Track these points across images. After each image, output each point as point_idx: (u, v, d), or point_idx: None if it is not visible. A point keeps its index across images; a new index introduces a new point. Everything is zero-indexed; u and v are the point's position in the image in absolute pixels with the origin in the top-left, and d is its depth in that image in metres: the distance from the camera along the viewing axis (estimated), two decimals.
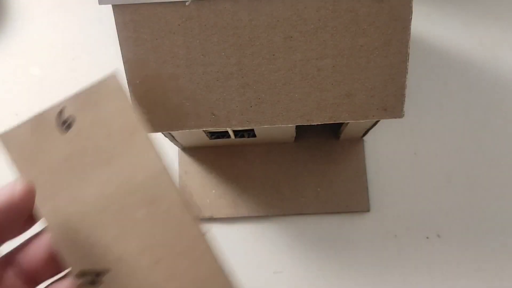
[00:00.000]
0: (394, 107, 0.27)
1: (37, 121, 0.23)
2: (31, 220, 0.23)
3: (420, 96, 0.43)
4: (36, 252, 0.23)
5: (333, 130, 0.42)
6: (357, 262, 0.41)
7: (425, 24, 0.44)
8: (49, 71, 0.46)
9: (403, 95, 0.27)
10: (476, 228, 0.41)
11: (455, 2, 0.45)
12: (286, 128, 0.33)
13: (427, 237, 0.41)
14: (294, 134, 0.38)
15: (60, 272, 0.24)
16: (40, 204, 0.23)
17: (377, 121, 0.34)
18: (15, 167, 0.23)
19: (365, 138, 0.42)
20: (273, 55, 0.26)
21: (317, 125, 0.29)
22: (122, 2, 0.25)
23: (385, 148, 0.43)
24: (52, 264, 0.23)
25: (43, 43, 0.46)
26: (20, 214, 0.21)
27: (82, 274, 0.22)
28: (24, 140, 0.23)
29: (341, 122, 0.28)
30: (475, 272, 0.40)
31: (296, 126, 0.36)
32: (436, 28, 0.44)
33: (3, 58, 0.46)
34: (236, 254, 0.41)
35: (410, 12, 0.25)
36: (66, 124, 0.23)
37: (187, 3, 0.25)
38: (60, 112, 0.23)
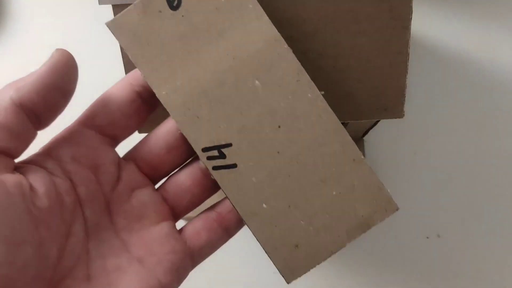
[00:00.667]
0: (394, 107, 0.27)
1: (146, 2, 0.23)
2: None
3: (420, 96, 0.43)
4: (155, 143, 0.24)
5: None
6: (357, 262, 0.41)
7: (425, 24, 0.44)
8: None
9: (403, 95, 0.27)
10: (476, 228, 0.41)
11: (455, 2, 0.45)
12: None
13: (427, 237, 0.41)
14: None
15: (180, 163, 0.25)
16: (159, 87, 0.23)
17: (377, 121, 0.34)
18: (128, 52, 0.23)
19: (365, 138, 0.42)
20: None
21: None
22: (122, 2, 0.25)
23: (385, 148, 0.43)
24: (173, 153, 0.24)
25: (43, 43, 0.46)
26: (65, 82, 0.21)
27: (207, 150, 0.23)
28: (134, 24, 0.23)
29: (341, 122, 0.28)
30: (475, 272, 0.40)
31: None
32: (436, 28, 0.44)
33: (3, 58, 0.46)
34: (236, 254, 0.41)
35: (410, 12, 0.25)
36: (175, 3, 0.23)
37: None
38: None
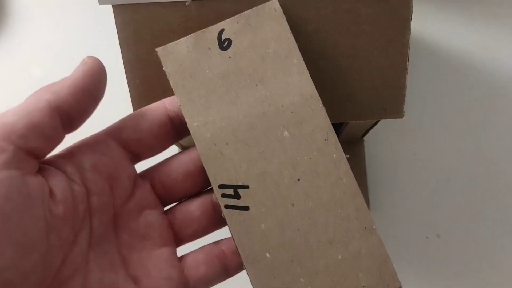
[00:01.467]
0: (394, 107, 0.27)
1: (198, 38, 0.24)
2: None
3: (420, 96, 0.43)
4: (175, 168, 0.24)
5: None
6: None
7: (425, 24, 0.44)
8: (49, 71, 0.46)
9: (403, 95, 0.27)
10: (476, 228, 0.41)
11: (455, 2, 0.45)
12: None
13: (427, 237, 0.41)
14: None
15: (194, 192, 0.25)
16: (192, 117, 0.23)
17: (377, 121, 0.34)
18: (170, 79, 0.24)
19: (365, 138, 0.42)
20: None
21: None
22: (122, 2, 0.25)
23: (385, 148, 0.43)
24: (190, 181, 0.24)
25: (43, 43, 0.46)
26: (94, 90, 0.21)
27: (224, 187, 0.23)
28: (182, 55, 0.24)
29: (341, 122, 0.28)
30: (475, 272, 0.40)
31: None
32: (436, 28, 0.44)
33: (3, 58, 0.46)
34: None
35: (410, 12, 0.25)
36: (225, 44, 0.24)
37: (187, 3, 0.25)
38: (220, 32, 0.24)
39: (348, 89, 0.27)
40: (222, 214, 0.23)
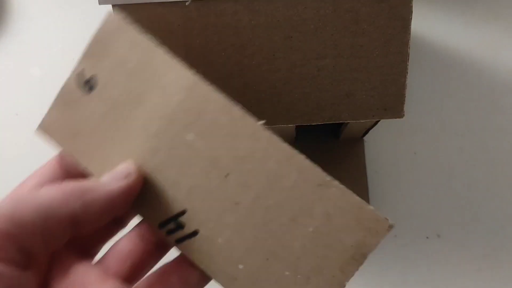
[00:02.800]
0: (394, 107, 0.27)
1: (63, 94, 0.22)
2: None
3: (420, 96, 0.43)
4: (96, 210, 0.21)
5: (333, 130, 0.42)
6: None
7: (425, 24, 0.44)
8: (49, 71, 0.46)
9: (403, 95, 0.27)
10: (476, 228, 0.41)
11: (455, 2, 0.45)
12: (286, 128, 0.33)
13: (427, 237, 0.41)
14: (294, 134, 0.38)
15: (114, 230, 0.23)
16: (101, 172, 0.21)
17: (377, 121, 0.34)
18: (63, 150, 0.22)
19: (365, 138, 0.42)
20: (273, 55, 0.26)
21: (317, 125, 0.29)
22: (122, 2, 0.25)
23: (385, 148, 0.43)
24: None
25: (43, 43, 0.46)
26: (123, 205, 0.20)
27: (164, 224, 0.21)
28: (58, 120, 0.22)
29: (341, 122, 0.28)
30: (475, 272, 0.40)
31: (296, 126, 0.36)
32: (436, 28, 0.44)
33: (3, 58, 0.46)
34: None
35: (410, 12, 0.25)
36: (89, 85, 0.22)
37: (187, 3, 0.25)
38: (79, 76, 0.22)
39: (348, 89, 0.27)
40: (180, 252, 0.21)
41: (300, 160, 0.20)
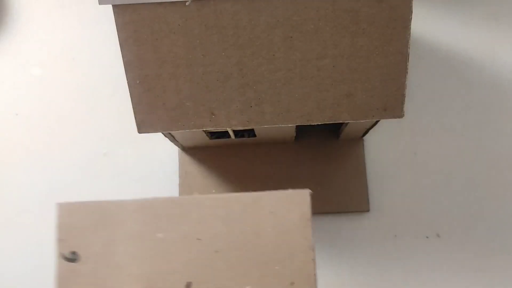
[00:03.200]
0: (394, 107, 0.27)
1: None
2: None
3: (420, 96, 0.43)
4: None
5: (333, 130, 0.42)
6: (357, 262, 0.41)
7: (425, 24, 0.44)
8: (49, 71, 0.46)
9: (403, 95, 0.27)
10: (476, 228, 0.41)
11: (455, 2, 0.45)
12: (286, 128, 0.33)
13: (427, 237, 0.41)
14: (294, 134, 0.38)
15: None
16: None
17: (377, 121, 0.34)
18: None
19: (365, 138, 0.42)
20: (273, 55, 0.26)
21: (317, 125, 0.29)
22: (122, 2, 0.25)
23: (385, 148, 0.43)
24: None
25: (43, 43, 0.46)
26: None
27: None
28: None
29: (341, 122, 0.28)
30: (475, 272, 0.40)
31: (296, 126, 0.36)
32: (436, 28, 0.44)
33: (3, 58, 0.46)
34: None
35: (410, 12, 0.25)
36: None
37: (187, 3, 0.25)
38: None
39: (348, 89, 0.27)
40: None
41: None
